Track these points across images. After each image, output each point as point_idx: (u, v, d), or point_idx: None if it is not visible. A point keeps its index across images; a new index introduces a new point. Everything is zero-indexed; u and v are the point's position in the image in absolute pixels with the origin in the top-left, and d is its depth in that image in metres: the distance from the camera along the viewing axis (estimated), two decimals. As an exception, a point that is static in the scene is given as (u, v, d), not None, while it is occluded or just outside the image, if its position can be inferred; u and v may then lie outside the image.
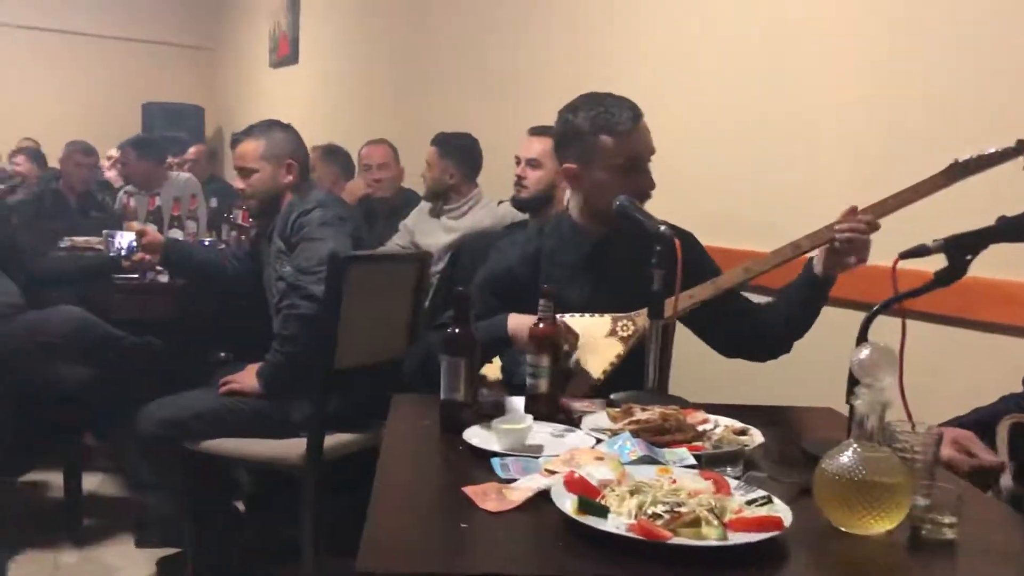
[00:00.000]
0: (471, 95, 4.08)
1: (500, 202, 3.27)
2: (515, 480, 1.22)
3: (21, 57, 7.44)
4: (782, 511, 1.09)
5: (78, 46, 7.63)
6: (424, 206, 3.47)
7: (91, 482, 3.27)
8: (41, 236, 3.63)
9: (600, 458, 1.24)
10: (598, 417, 1.52)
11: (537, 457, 1.32)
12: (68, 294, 3.09)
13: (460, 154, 3.33)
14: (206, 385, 2.59)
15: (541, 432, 1.45)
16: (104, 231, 3.27)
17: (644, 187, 1.85)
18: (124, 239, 3.09)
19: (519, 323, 1.75)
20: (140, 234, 2.92)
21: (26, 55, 7.47)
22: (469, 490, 1.16)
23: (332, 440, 2.41)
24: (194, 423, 2.43)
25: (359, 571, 0.94)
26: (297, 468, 2.37)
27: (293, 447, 2.39)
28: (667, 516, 1.03)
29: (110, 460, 3.48)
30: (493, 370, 1.95)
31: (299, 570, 2.39)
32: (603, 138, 1.82)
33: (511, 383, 1.90)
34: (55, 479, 3.14)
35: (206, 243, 3.68)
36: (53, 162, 5.62)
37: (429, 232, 3.33)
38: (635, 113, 1.83)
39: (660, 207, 1.81)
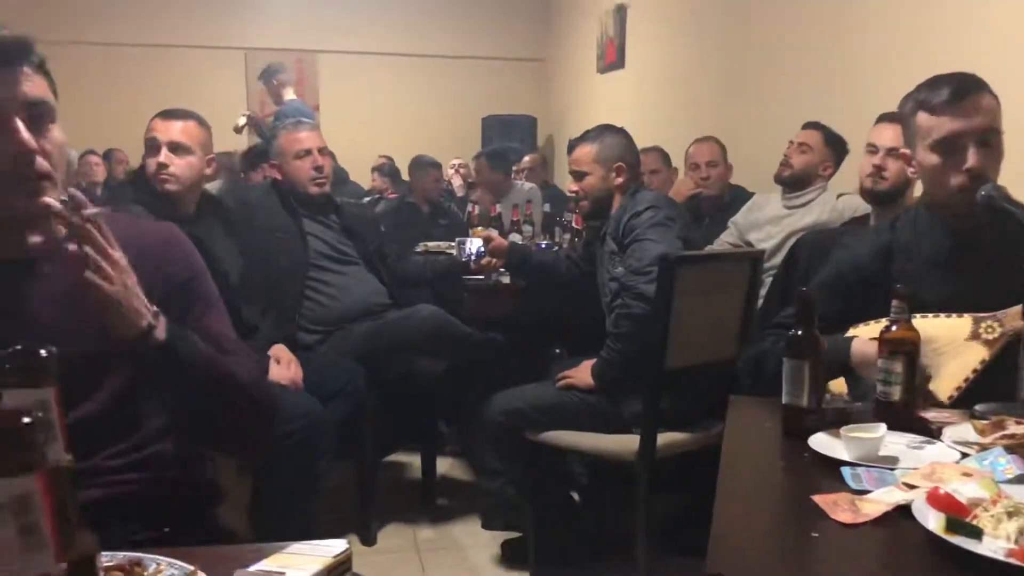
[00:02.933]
0: (806, 86, 3.90)
1: (839, 195, 3.10)
2: (869, 492, 1.15)
3: (380, 81, 8.34)
4: None
5: (427, 67, 8.40)
6: (757, 201, 3.38)
7: (444, 465, 3.58)
8: (400, 243, 4.05)
9: (968, 474, 1.13)
10: (961, 429, 1.38)
11: (893, 469, 1.24)
12: (424, 294, 3.41)
13: (838, 146, 3.20)
14: (544, 379, 2.74)
15: (895, 443, 1.35)
16: (457, 239, 3.57)
17: (966, 169, 1.62)
18: (473, 245, 3.36)
19: (863, 352, 1.62)
20: (487, 240, 3.16)
21: (384, 79, 8.35)
22: (819, 499, 1.12)
23: (664, 438, 2.43)
24: (534, 414, 2.58)
25: (708, 572, 0.94)
26: (630, 463, 2.42)
27: (626, 442, 2.45)
28: (1056, 544, 0.92)
29: (460, 446, 3.78)
30: (838, 384, 1.85)
31: (633, 564, 2.44)
32: (920, 116, 1.68)
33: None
34: (414, 461, 3.49)
35: (542, 246, 3.88)
36: (406, 175, 6.23)
37: (761, 228, 3.24)
38: (959, 88, 1.63)
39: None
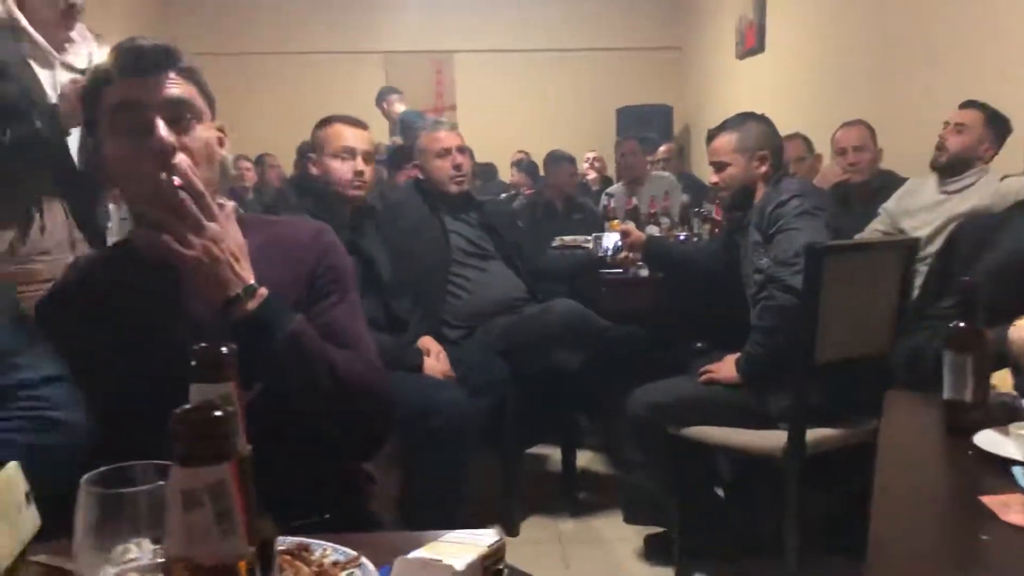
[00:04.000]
0: (962, 62, 3.67)
1: (1003, 177, 2.91)
2: (1045, 493, 1.08)
3: (514, 77, 8.42)
4: None
5: (561, 61, 8.42)
6: (910, 187, 3.22)
7: (584, 459, 3.58)
8: (537, 237, 4.08)
9: None
10: None
11: (1070, 469, 1.15)
12: (560, 288, 3.43)
13: (1001, 126, 3.01)
14: (685, 373, 2.71)
15: (1072, 441, 1.26)
16: (594, 234, 3.58)
17: None
18: (610, 239, 3.36)
19: (1019, 338, 1.52)
20: (624, 233, 3.14)
21: (518, 75, 8.43)
22: (988, 500, 1.06)
23: (813, 434, 2.36)
24: (676, 409, 2.55)
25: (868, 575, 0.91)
26: (777, 460, 2.36)
27: (773, 438, 2.39)
28: None
29: (600, 439, 3.78)
30: (1001, 377, 1.74)
31: (781, 562, 2.38)
32: None
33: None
34: (554, 454, 3.51)
35: (680, 238, 3.82)
36: (543, 170, 6.27)
37: (915, 215, 3.08)
38: None
39: None
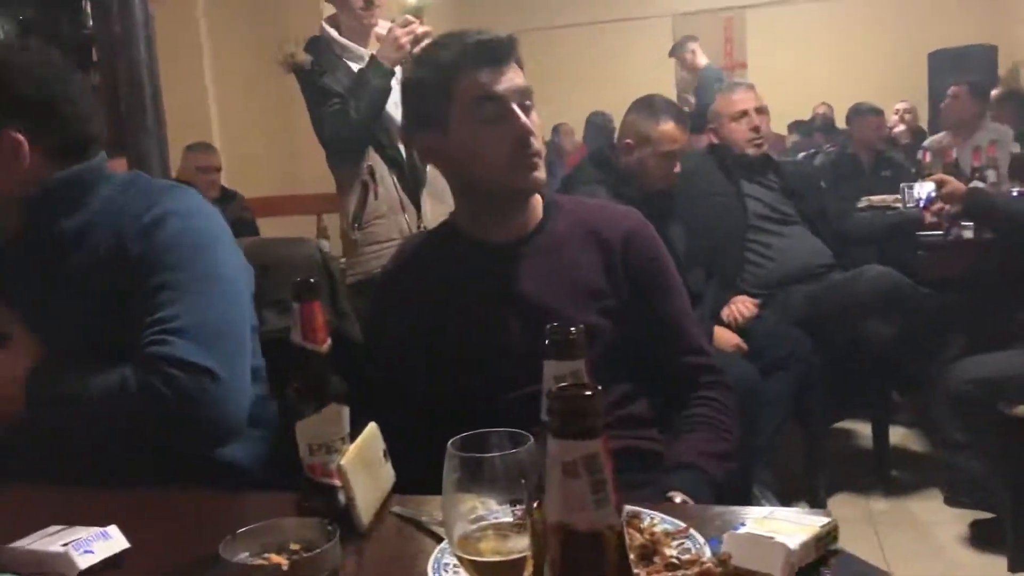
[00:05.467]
0: None
1: None
2: None
3: (810, 28, 7.95)
4: None
5: (862, 6, 7.83)
6: None
7: (897, 435, 3.35)
8: (841, 198, 3.83)
9: None
10: None
11: None
12: (869, 253, 3.21)
13: None
14: (1018, 345, 2.44)
15: None
16: (901, 184, 3.30)
17: None
18: (922, 190, 3.09)
19: None
20: (940, 184, 2.87)
21: (815, 25, 7.95)
22: None
23: None
24: (1011, 385, 2.32)
25: None
26: None
27: None
28: None
29: (915, 415, 3.52)
30: None
31: None
32: None
33: None
34: (863, 429, 3.32)
35: (1014, 193, 3.42)
36: (841, 123, 5.88)
37: None
38: None
39: None
